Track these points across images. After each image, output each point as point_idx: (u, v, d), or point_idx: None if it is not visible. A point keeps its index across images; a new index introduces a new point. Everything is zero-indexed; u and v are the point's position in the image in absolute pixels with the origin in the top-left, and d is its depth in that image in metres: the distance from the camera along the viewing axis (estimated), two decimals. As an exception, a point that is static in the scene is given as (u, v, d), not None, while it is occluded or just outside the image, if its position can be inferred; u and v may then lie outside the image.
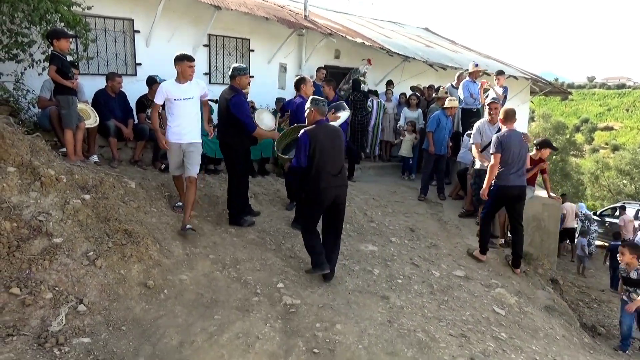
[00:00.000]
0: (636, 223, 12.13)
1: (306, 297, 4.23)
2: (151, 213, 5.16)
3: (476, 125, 6.35)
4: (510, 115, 5.51)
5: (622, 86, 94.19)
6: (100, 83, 6.53)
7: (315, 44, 9.54)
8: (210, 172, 7.02)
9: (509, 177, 5.36)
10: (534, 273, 5.82)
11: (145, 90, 6.76)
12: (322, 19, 10.73)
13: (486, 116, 6.42)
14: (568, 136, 42.83)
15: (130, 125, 6.47)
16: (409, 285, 4.79)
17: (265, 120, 5.92)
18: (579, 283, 8.93)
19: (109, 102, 6.33)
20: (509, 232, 5.92)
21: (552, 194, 6.53)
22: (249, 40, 9.02)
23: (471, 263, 5.67)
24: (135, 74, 7.70)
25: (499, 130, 5.67)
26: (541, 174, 6.15)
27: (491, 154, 5.44)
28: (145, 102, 6.65)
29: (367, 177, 8.98)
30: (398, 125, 9.67)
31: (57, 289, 3.52)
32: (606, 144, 68.86)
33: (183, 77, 4.92)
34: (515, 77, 12.80)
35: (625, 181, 32.28)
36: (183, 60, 4.89)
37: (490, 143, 5.69)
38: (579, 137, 60.71)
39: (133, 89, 7.17)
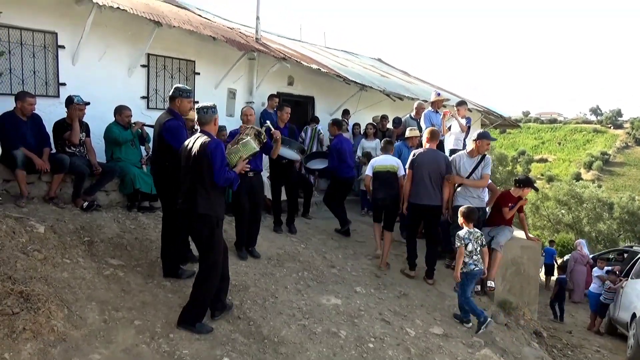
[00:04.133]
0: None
1: (259, 375, 3.35)
2: (62, 265, 4.13)
3: (452, 157, 5.77)
4: (435, 136, 5.93)
5: (554, 121, 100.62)
6: (13, 104, 5.45)
7: (267, 69, 8.82)
8: (145, 209, 6.02)
9: (419, 195, 5.62)
10: (516, 326, 5.22)
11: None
12: (274, 43, 10.08)
13: (469, 147, 5.84)
14: (510, 167, 44.50)
15: (45, 155, 5.38)
16: (382, 351, 4.00)
17: None
18: (545, 324, 8.49)
19: (19, 127, 5.24)
20: (488, 282, 5.32)
21: (530, 235, 6.04)
22: (194, 62, 8.16)
23: (447, 316, 4.99)
24: (58, 96, 6.59)
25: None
26: (518, 213, 5.64)
27: (407, 170, 5.80)
28: (65, 127, 5.62)
29: (324, 214, 8.21)
30: (356, 157, 9.09)
31: None
32: (542, 174, 72.44)
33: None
34: (469, 110, 12.65)
35: (563, 211, 33.46)
36: None
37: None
38: (518, 168, 63.67)
39: (55, 112, 6.09)
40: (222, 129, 7.36)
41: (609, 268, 9.88)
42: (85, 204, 5.48)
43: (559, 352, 6.61)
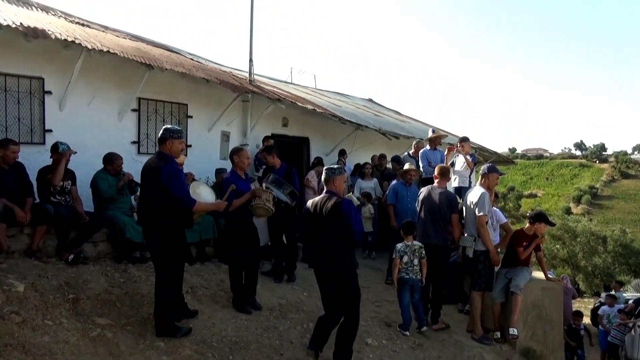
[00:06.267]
0: None
1: None
2: (43, 328, 3.70)
3: (480, 194, 5.24)
4: (445, 173, 5.80)
5: (540, 157, 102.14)
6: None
7: (261, 111, 8.64)
8: (136, 260, 5.62)
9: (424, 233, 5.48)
10: (544, 377, 4.82)
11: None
12: (267, 85, 9.98)
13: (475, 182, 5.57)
14: (502, 204, 44.52)
15: (28, 205, 5.02)
16: (405, 414, 3.57)
17: (203, 195, 4.72)
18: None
19: (0, 176, 4.92)
20: (510, 329, 4.94)
21: (550, 275, 5.69)
22: (187, 105, 7.96)
23: (469, 368, 4.57)
24: (44, 143, 6.28)
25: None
26: (535, 252, 5.32)
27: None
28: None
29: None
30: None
31: None
32: (532, 209, 72.61)
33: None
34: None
35: (558, 246, 33.15)
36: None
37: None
38: (509, 205, 63.81)
39: (40, 160, 5.79)
40: (221, 171, 7.09)
41: (620, 306, 9.48)
42: (71, 256, 5.09)
43: (584, 401, 6.15)
